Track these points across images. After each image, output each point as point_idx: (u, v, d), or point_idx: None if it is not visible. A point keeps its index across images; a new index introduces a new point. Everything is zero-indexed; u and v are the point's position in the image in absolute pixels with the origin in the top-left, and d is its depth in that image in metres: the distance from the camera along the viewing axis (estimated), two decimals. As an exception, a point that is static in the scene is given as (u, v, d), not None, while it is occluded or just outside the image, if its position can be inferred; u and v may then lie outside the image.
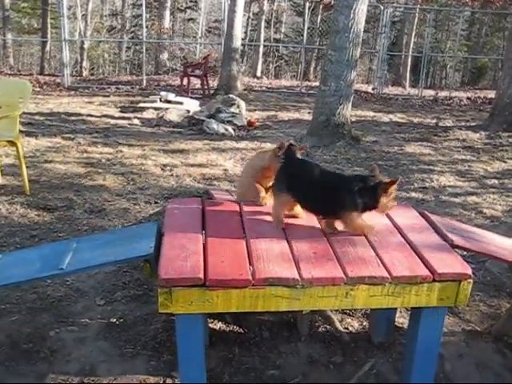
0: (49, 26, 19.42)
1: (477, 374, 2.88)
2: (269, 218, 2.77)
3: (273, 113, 10.50)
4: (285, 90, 14.02)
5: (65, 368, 2.73)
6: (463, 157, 7.68)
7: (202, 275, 2.16)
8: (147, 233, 2.68)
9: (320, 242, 2.53)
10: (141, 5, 14.78)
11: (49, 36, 19.37)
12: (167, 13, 19.58)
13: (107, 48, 24.51)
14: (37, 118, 8.82)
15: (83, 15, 20.66)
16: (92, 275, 3.68)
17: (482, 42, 26.32)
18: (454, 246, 2.59)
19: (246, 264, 2.28)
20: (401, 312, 3.30)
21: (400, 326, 3.22)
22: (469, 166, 7.17)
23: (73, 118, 8.91)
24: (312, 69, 23.31)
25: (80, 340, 2.96)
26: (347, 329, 3.21)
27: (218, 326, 3.13)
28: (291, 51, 25.99)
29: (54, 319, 3.14)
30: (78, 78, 15.23)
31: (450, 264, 2.38)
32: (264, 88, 14.26)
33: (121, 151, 6.90)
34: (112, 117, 9.22)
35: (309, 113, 9.35)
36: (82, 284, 3.58)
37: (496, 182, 6.51)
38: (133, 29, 25.13)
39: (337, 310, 3.27)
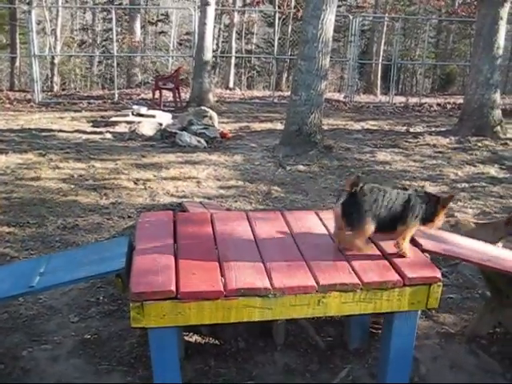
0: (18, 41, 19.23)
1: (451, 376, 2.92)
2: (240, 229, 2.78)
3: (245, 124, 10.53)
4: (257, 101, 14.07)
5: (38, 387, 2.69)
6: (434, 162, 7.79)
7: (173, 288, 2.16)
8: (118, 247, 2.67)
9: (291, 250, 2.55)
10: (111, 18, 14.74)
11: (18, 51, 19.15)
12: (138, 26, 19.54)
13: (78, 62, 24.36)
14: (7, 134, 8.70)
15: (53, 30, 20.51)
16: (65, 292, 3.64)
17: (449, 48, 26.78)
18: (423, 251, 2.63)
19: (218, 275, 2.28)
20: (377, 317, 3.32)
21: (375, 331, 3.24)
22: (440, 171, 7.27)
23: (44, 133, 8.81)
24: (284, 79, 23.44)
25: (54, 358, 2.92)
26: (323, 336, 3.22)
27: (194, 338, 3.12)
28: (263, 62, 26.15)
29: (27, 338, 3.10)
30: (49, 93, 15.09)
31: (420, 268, 2.42)
32: (236, 99, 14.30)
33: (93, 166, 6.85)
34: (84, 132, 9.14)
35: (281, 123, 9.40)
36: (56, 301, 3.54)
37: (466, 185, 6.62)
38: (104, 43, 25.02)
39: (312, 318, 3.29)
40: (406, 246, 2.58)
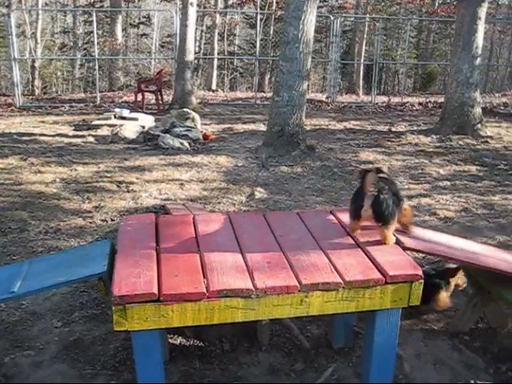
0: (-3, 45, 19.08)
1: (435, 372, 2.95)
2: (223, 230, 2.78)
3: (228, 125, 10.52)
4: (240, 102, 14.06)
5: (22, 393, 2.67)
6: (416, 160, 7.85)
7: (155, 290, 2.16)
8: (100, 251, 2.66)
9: (273, 251, 2.56)
10: (92, 21, 14.64)
11: (-2, 55, 19.02)
12: (119, 29, 19.44)
13: (59, 66, 24.14)
14: (-13, 139, 8.62)
15: (33, 33, 20.33)
16: (48, 297, 3.62)
17: (430, 48, 26.97)
18: (405, 249, 2.65)
19: (200, 277, 2.28)
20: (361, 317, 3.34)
21: (359, 330, 3.26)
22: (422, 170, 7.33)
23: (25, 137, 8.73)
24: (267, 80, 23.46)
25: (37, 364, 2.90)
26: (307, 336, 3.24)
27: (178, 340, 3.12)
28: (245, 63, 26.14)
29: (9, 344, 3.07)
30: (30, 97, 14.94)
31: (402, 266, 2.44)
32: (219, 101, 14.28)
33: (75, 170, 6.80)
34: (66, 135, 9.07)
35: (264, 124, 9.40)
36: (38, 307, 3.52)
37: (448, 183, 6.68)
38: (85, 46, 24.85)
39: (297, 318, 3.30)
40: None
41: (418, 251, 2.94)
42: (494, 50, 24.88)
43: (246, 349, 3.08)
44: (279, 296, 2.25)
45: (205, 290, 2.19)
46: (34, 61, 19.02)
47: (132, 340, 2.25)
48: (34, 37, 20.28)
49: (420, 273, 2.39)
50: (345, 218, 2.98)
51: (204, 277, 2.29)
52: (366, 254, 2.55)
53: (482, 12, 9.31)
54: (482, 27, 9.40)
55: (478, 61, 9.61)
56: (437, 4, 22.64)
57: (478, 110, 9.73)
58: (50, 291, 3.57)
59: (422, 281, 2.39)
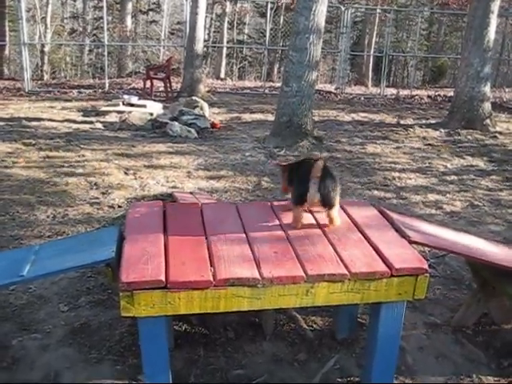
0: (7, 28, 19.03)
1: (437, 365, 2.96)
2: (230, 219, 2.79)
3: (236, 114, 10.52)
4: (248, 91, 14.04)
5: (28, 376, 2.71)
6: (424, 154, 7.83)
7: (163, 277, 2.17)
8: (108, 237, 2.68)
9: (280, 241, 2.57)
10: (102, 7, 14.61)
11: (7, 39, 18.96)
12: (129, 15, 19.40)
13: (69, 51, 24.16)
14: (-4, 123, 8.66)
15: (43, 18, 20.32)
16: (55, 281, 3.65)
17: (441, 41, 26.81)
18: (411, 242, 2.66)
19: (207, 265, 2.30)
20: (365, 308, 3.36)
21: (363, 321, 3.28)
22: (429, 163, 7.32)
23: (34, 122, 8.76)
24: (275, 70, 23.39)
25: (43, 347, 2.94)
26: (311, 326, 3.26)
27: (183, 327, 3.14)
28: (254, 52, 26.04)
29: (17, 327, 3.11)
30: (39, 82, 14.95)
31: (407, 259, 2.44)
32: (228, 89, 14.26)
33: (83, 155, 6.83)
34: (74, 121, 9.10)
35: (272, 114, 9.39)
36: (46, 291, 3.55)
37: (455, 178, 6.66)
38: (95, 31, 24.81)
39: (301, 308, 3.32)
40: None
41: (423, 245, 2.95)
42: (505, 44, 24.67)
43: (251, 338, 3.10)
44: (285, 286, 2.27)
45: (212, 279, 2.20)
46: (43, 46, 19.02)
47: (138, 326, 2.27)
48: (44, 22, 20.27)
49: (425, 266, 2.40)
50: (352, 209, 2.99)
51: (211, 265, 2.30)
52: (372, 246, 2.55)
53: (495, 5, 9.24)
54: (494, 21, 9.34)
55: (490, 55, 9.56)
56: (449, -4, 22.42)
57: (487, 105, 9.69)
58: (57, 276, 3.60)
59: (428, 274, 2.40)
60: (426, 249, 4.14)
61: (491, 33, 9.34)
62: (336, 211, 2.78)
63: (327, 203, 2.71)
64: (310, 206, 2.79)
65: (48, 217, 4.79)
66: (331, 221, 2.77)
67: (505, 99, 13.41)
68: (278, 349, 3.02)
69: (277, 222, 2.80)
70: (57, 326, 3.16)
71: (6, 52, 19.30)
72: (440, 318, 3.43)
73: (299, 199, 2.75)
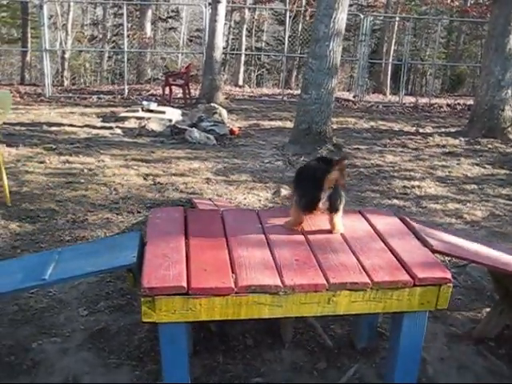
0: (29, 35, 19.27)
1: (458, 377, 2.92)
2: (251, 226, 2.79)
3: (255, 121, 10.53)
4: (266, 99, 14.07)
5: (48, 380, 2.71)
6: (443, 163, 7.77)
7: (184, 284, 2.17)
8: (130, 242, 2.69)
9: (302, 248, 2.56)
10: (122, 14, 14.75)
11: (29, 46, 19.19)
12: (148, 22, 19.56)
13: (88, 57, 24.38)
14: (17, 128, 8.75)
15: (64, 25, 20.57)
16: (75, 286, 3.67)
17: (460, 49, 26.62)
18: (434, 251, 2.63)
19: (229, 272, 2.29)
20: (384, 318, 3.33)
21: (383, 331, 3.25)
22: (449, 172, 7.26)
23: (54, 128, 8.86)
24: (294, 77, 23.38)
25: (63, 351, 2.95)
26: (331, 335, 3.23)
27: (202, 334, 3.13)
28: (273, 60, 26.09)
29: (37, 331, 3.12)
30: (59, 87, 15.13)
31: (430, 269, 2.42)
32: (246, 96, 14.30)
33: (103, 161, 6.88)
34: (94, 127, 9.18)
35: (291, 121, 9.40)
36: (65, 295, 3.57)
37: (475, 187, 6.60)
38: (114, 38, 25.02)
39: (320, 317, 3.30)
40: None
41: (446, 254, 2.92)
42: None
43: (269, 345, 3.08)
44: (307, 294, 2.25)
45: (233, 285, 2.20)
46: (63, 52, 19.25)
47: (159, 332, 2.27)
48: (65, 28, 20.51)
49: (449, 276, 2.37)
50: (373, 218, 2.97)
51: (232, 272, 2.30)
52: (394, 255, 2.53)
53: (517, 13, 9.17)
54: (516, 29, 9.26)
55: (511, 63, 9.47)
56: (469, 4, 22.30)
57: (508, 114, 9.60)
58: (76, 280, 3.62)
59: (451, 284, 2.37)
60: (447, 258, 4.10)
61: (513, 41, 9.27)
62: (340, 217, 2.77)
63: (333, 209, 2.72)
64: (318, 212, 2.79)
65: (68, 221, 4.82)
66: (334, 226, 2.77)
67: (525, 108, 13.25)
68: (297, 357, 3.00)
69: (298, 229, 2.79)
70: (76, 330, 3.17)
71: (28, 58, 19.55)
72: (461, 328, 3.38)
73: (309, 207, 2.74)
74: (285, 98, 13.89)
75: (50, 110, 10.87)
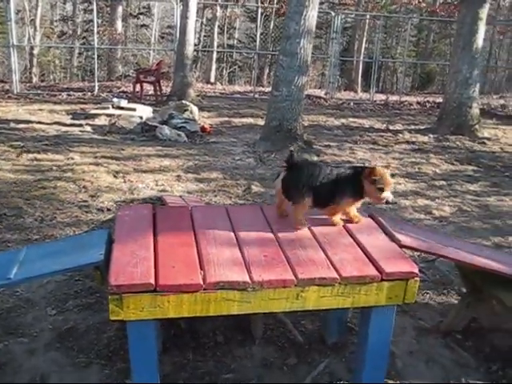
0: (-4, 31, 18.93)
1: (427, 370, 2.96)
2: (219, 223, 2.78)
3: (226, 118, 10.51)
4: (238, 96, 14.05)
5: (14, 380, 2.67)
6: (413, 159, 7.87)
7: (152, 281, 2.16)
8: (97, 240, 2.65)
9: (270, 245, 2.56)
10: (92, 10, 14.55)
11: (-4, 41, 18.87)
12: (119, 18, 19.35)
13: (58, 54, 24.04)
14: (-16, 125, 8.58)
15: (32, 20, 20.22)
16: (43, 285, 3.61)
17: (430, 48, 26.98)
18: (401, 246, 2.66)
19: (197, 269, 2.28)
20: (354, 312, 3.35)
21: (352, 326, 3.27)
22: (418, 169, 7.35)
23: (22, 125, 8.70)
24: (266, 74, 23.42)
25: (30, 351, 2.90)
26: (301, 331, 3.25)
27: (172, 331, 3.12)
28: (245, 57, 26.06)
29: (3, 331, 3.07)
30: (28, 84, 14.89)
31: (398, 263, 2.44)
32: (217, 94, 14.26)
33: (72, 158, 6.78)
34: (63, 124, 9.05)
35: (262, 118, 9.40)
36: (33, 294, 3.51)
37: (444, 183, 6.69)
38: (84, 34, 24.70)
39: (291, 313, 3.31)
40: (337, 219, 2.82)
41: (413, 249, 2.95)
42: (493, 52, 24.89)
43: (240, 342, 3.09)
44: (275, 290, 2.25)
45: (201, 282, 2.19)
46: (32, 48, 18.94)
47: (127, 330, 2.25)
48: (33, 24, 20.17)
49: (416, 270, 2.40)
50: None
51: (201, 268, 2.29)
52: (362, 250, 2.55)
53: (484, 13, 9.33)
54: (482, 28, 9.43)
55: (478, 61, 9.63)
56: (437, 3, 22.61)
57: (476, 111, 9.76)
58: (44, 279, 3.57)
59: (418, 279, 2.40)
60: (416, 253, 4.15)
61: (480, 39, 9.43)
62: (297, 209, 2.78)
63: (288, 198, 2.79)
64: (276, 193, 2.90)
65: (36, 220, 4.75)
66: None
67: (493, 106, 13.52)
68: (267, 353, 3.01)
69: (267, 226, 2.79)
70: (44, 329, 3.12)
71: (-5, 54, 19.18)
72: (430, 322, 3.43)
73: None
74: (256, 96, 13.89)
75: (18, 106, 10.68)
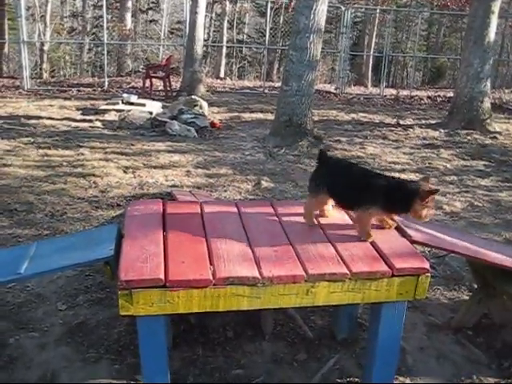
0: (6, 26, 18.95)
1: (437, 366, 2.95)
2: (230, 218, 2.77)
3: (236, 113, 10.50)
4: (248, 91, 14.02)
5: (25, 375, 2.68)
6: (423, 154, 7.82)
7: (162, 276, 2.15)
8: (107, 235, 2.66)
9: (280, 240, 2.55)
10: (102, 6, 14.56)
11: (6, 37, 18.89)
12: (129, 14, 19.35)
13: (68, 50, 24.08)
14: (-5, 121, 8.63)
15: (42, 16, 20.26)
16: (53, 280, 3.63)
17: (440, 42, 26.81)
18: (412, 242, 2.64)
19: (207, 264, 2.28)
20: (364, 308, 3.34)
21: (363, 322, 3.26)
22: (429, 164, 7.30)
23: (33, 121, 8.74)
24: (275, 69, 23.36)
25: (41, 346, 2.91)
26: (311, 326, 3.24)
27: (182, 327, 3.12)
28: (254, 52, 25.99)
29: (14, 326, 3.08)
30: (38, 80, 14.90)
31: (409, 259, 2.43)
32: (227, 89, 14.24)
33: (82, 154, 6.81)
34: (73, 119, 9.08)
35: (272, 113, 9.37)
36: (43, 289, 3.53)
37: (455, 178, 6.65)
38: (94, 30, 24.72)
39: (300, 308, 3.30)
40: (363, 230, 2.62)
41: (425, 245, 2.93)
42: (505, 46, 24.68)
43: (250, 337, 3.08)
44: (285, 285, 2.25)
45: (211, 277, 2.18)
46: (42, 44, 18.95)
47: (137, 325, 2.25)
48: (43, 20, 20.18)
49: (427, 266, 2.38)
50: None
51: (211, 264, 2.28)
52: (373, 245, 2.53)
53: (496, 6, 9.24)
54: (494, 21, 9.33)
55: (490, 55, 9.54)
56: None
57: (487, 106, 9.68)
58: (55, 274, 3.58)
59: (429, 274, 2.38)
60: (427, 249, 4.13)
61: (491, 33, 9.33)
62: (309, 203, 2.83)
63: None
64: None
65: (46, 215, 4.76)
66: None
67: (504, 100, 13.39)
68: (277, 348, 3.00)
69: (277, 221, 2.78)
70: (54, 324, 3.13)
71: (6, 50, 19.26)
72: (440, 318, 3.41)
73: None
74: (266, 91, 13.86)
75: (29, 102, 10.72)
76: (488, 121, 9.62)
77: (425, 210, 2.49)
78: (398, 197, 2.52)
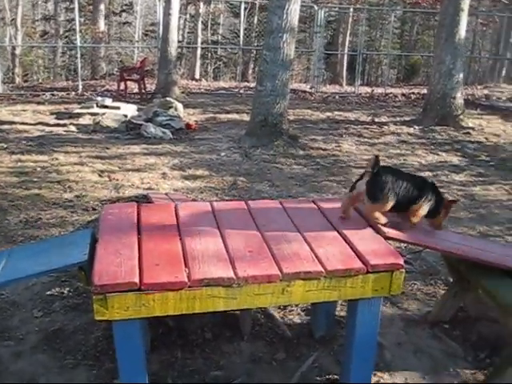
0: (-23, 31, 18.73)
1: (415, 360, 2.98)
2: (204, 219, 2.77)
3: (211, 115, 10.48)
4: (223, 92, 14.00)
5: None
6: (398, 151, 7.89)
7: (137, 279, 2.14)
8: (81, 240, 2.64)
9: (255, 239, 2.55)
10: (74, 8, 14.41)
11: (-23, 42, 18.67)
12: (102, 16, 19.19)
13: (41, 54, 23.82)
14: (-34, 127, 8.49)
15: (13, 20, 20.00)
16: (29, 287, 3.58)
17: (413, 39, 27.10)
18: (387, 238, 2.66)
19: (182, 266, 2.27)
20: (342, 305, 3.36)
21: (340, 319, 3.28)
22: (404, 160, 7.38)
23: (5, 126, 8.62)
24: (250, 70, 23.36)
25: (17, 354, 2.87)
26: (289, 325, 3.25)
27: (160, 330, 3.10)
28: (229, 53, 25.97)
29: (-12, 335, 3.04)
30: (11, 85, 14.72)
31: (383, 255, 2.44)
32: (202, 90, 14.20)
33: (56, 159, 6.73)
34: (47, 124, 8.97)
35: (247, 113, 9.38)
36: (18, 296, 3.48)
37: (430, 174, 6.72)
38: (67, 33, 24.48)
39: (279, 307, 3.31)
40: (416, 221, 2.87)
41: (399, 241, 2.95)
42: (476, 43, 25.02)
43: (228, 338, 3.08)
44: (260, 285, 2.24)
45: (186, 279, 2.17)
46: (14, 48, 18.75)
47: (113, 329, 2.23)
48: (14, 23, 19.95)
49: (401, 262, 2.40)
50: (327, 207, 2.99)
51: (185, 266, 2.27)
52: (347, 243, 2.55)
53: (465, 4, 9.36)
54: (465, 19, 9.45)
55: (461, 52, 9.67)
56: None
57: (460, 102, 9.79)
58: (30, 281, 3.54)
59: (403, 270, 2.41)
60: (402, 245, 4.16)
61: (462, 30, 9.45)
62: (375, 208, 2.83)
63: (369, 198, 2.83)
64: (356, 193, 2.91)
65: (21, 221, 4.70)
66: (366, 214, 2.87)
67: (477, 96, 13.58)
68: (256, 348, 3.00)
69: (252, 221, 2.78)
70: (30, 332, 3.09)
71: (-24, 55, 18.97)
72: (417, 313, 3.45)
73: (351, 186, 2.95)
74: (242, 91, 13.85)
75: (1, 107, 10.57)
76: (461, 117, 9.74)
77: (444, 219, 2.89)
78: (438, 201, 2.85)
